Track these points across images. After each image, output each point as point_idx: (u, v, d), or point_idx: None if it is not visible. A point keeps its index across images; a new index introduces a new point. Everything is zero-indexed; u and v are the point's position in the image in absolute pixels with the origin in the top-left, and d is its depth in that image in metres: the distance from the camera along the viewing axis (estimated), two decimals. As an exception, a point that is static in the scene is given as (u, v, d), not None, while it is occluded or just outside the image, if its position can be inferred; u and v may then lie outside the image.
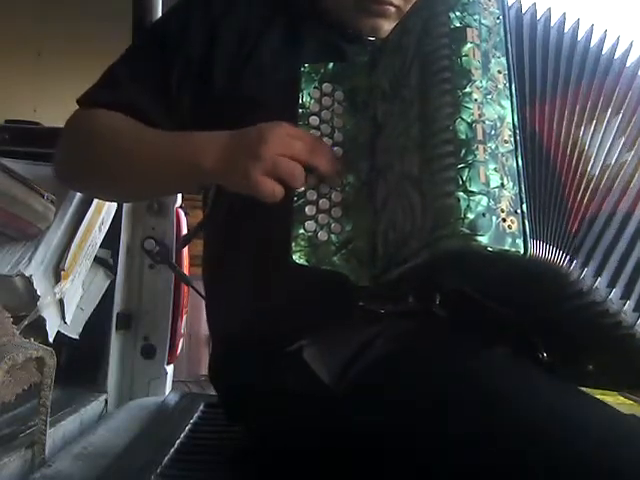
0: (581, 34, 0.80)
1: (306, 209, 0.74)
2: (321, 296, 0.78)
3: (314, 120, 0.79)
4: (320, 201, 0.75)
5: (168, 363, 1.59)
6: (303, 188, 0.75)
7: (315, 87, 0.81)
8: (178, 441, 1.16)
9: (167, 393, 1.59)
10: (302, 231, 0.73)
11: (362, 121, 0.80)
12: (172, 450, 1.11)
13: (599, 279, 0.70)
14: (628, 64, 0.80)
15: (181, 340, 1.68)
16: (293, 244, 0.73)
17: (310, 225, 0.74)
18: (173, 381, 1.65)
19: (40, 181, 1.44)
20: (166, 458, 1.07)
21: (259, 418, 0.90)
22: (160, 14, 1.56)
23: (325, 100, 0.81)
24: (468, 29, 0.71)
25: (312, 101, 0.80)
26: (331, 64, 0.83)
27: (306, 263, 0.73)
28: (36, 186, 1.40)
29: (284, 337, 0.82)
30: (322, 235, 0.74)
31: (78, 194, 1.50)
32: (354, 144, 0.79)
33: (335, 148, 0.78)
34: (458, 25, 0.71)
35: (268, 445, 0.90)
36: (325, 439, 0.79)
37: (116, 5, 1.79)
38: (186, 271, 1.63)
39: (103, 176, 0.92)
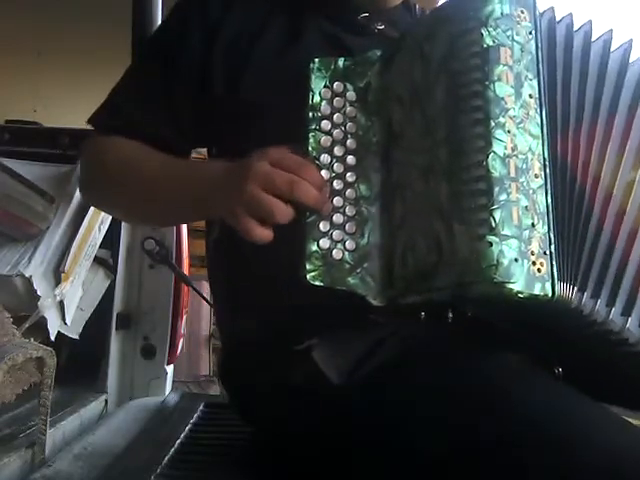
0: (634, 56, 0.76)
1: (320, 225, 0.70)
2: (333, 302, 0.77)
3: (326, 125, 0.73)
4: (334, 216, 0.71)
5: (168, 363, 1.59)
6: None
7: (326, 86, 0.75)
8: (178, 441, 1.16)
9: (167, 393, 1.59)
10: (316, 248, 0.70)
11: (375, 125, 0.75)
12: (172, 450, 1.11)
13: (613, 309, 0.69)
14: None
15: (181, 340, 1.68)
16: (307, 263, 0.69)
17: (324, 242, 0.70)
18: (173, 381, 1.65)
19: (40, 181, 1.44)
20: (166, 458, 1.07)
21: (268, 417, 0.90)
22: (160, 14, 1.56)
23: (337, 101, 0.75)
24: (502, 49, 0.66)
25: (323, 102, 0.74)
26: (342, 59, 0.76)
27: (321, 284, 0.69)
28: (36, 186, 1.41)
29: (293, 336, 0.82)
30: (337, 253, 0.70)
31: (78, 194, 1.50)
32: (367, 152, 0.74)
33: (349, 157, 0.73)
34: (491, 44, 0.66)
35: (276, 445, 0.90)
36: (332, 439, 0.79)
37: (116, 5, 1.79)
38: (186, 271, 1.63)
39: (116, 203, 0.96)
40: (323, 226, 0.70)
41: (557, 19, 0.73)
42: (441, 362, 0.75)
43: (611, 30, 0.76)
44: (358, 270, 0.71)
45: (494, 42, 0.67)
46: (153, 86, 0.92)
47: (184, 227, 1.63)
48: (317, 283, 0.69)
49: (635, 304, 0.70)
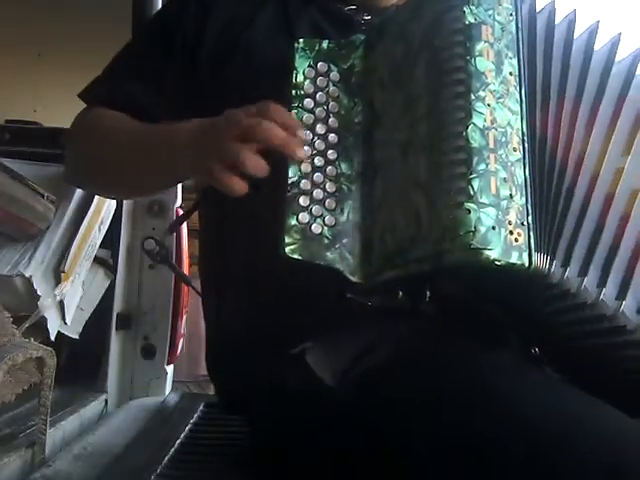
0: (620, 51, 0.76)
1: (300, 200, 0.71)
2: (314, 291, 0.77)
3: (309, 103, 0.74)
4: (314, 191, 0.72)
5: (168, 363, 1.59)
6: (295, 177, 0.71)
7: (310, 66, 0.76)
8: (178, 441, 1.16)
9: (167, 393, 1.59)
10: (295, 222, 0.70)
11: (358, 106, 0.76)
12: (172, 450, 1.11)
13: (585, 278, 0.68)
14: None
15: (181, 340, 1.68)
16: (286, 236, 0.70)
17: (304, 217, 0.70)
18: (173, 381, 1.65)
19: (40, 181, 1.44)
20: (166, 458, 1.07)
21: (260, 418, 0.90)
22: (160, 13, 1.56)
23: (320, 81, 0.76)
24: (483, 26, 0.68)
25: (307, 81, 0.75)
26: (326, 41, 0.78)
27: (299, 257, 0.70)
28: (36, 186, 1.41)
29: (283, 337, 0.82)
30: (316, 228, 0.71)
31: (78, 194, 1.50)
32: (349, 131, 0.75)
33: (330, 135, 0.74)
34: (473, 21, 0.68)
35: (269, 444, 0.90)
36: (325, 439, 0.79)
37: (116, 5, 1.79)
38: (186, 271, 1.63)
39: (102, 174, 0.94)
40: (303, 200, 0.71)
41: (538, 9, 0.74)
42: (434, 360, 0.75)
43: (598, 22, 0.77)
44: (337, 245, 0.71)
45: (475, 20, 0.69)
46: (144, 63, 0.93)
47: (184, 227, 1.63)
48: (295, 256, 0.70)
49: (629, 287, 0.70)
